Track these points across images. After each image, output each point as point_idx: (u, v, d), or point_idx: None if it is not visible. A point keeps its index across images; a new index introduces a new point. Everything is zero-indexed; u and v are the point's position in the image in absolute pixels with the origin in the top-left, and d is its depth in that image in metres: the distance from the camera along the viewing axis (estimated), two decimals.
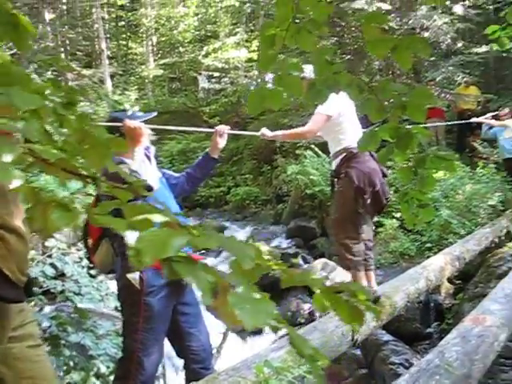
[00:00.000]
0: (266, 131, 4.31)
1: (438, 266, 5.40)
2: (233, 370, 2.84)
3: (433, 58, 12.99)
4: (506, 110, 9.63)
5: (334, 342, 3.38)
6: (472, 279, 7.66)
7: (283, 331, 0.87)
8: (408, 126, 1.69)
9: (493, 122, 9.27)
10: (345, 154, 4.16)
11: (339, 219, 4.24)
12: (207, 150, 3.67)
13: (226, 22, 19.14)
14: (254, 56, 17.20)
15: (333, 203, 4.37)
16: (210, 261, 9.56)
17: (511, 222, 8.18)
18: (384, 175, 4.31)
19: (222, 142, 3.62)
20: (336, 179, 4.27)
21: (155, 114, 3.39)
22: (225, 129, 3.64)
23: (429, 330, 7.58)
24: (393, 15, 12.02)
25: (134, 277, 2.89)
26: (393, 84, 1.61)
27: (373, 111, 1.67)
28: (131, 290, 2.94)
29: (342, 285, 0.97)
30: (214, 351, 3.75)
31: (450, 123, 11.19)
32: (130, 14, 22.21)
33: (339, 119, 4.13)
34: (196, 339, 3.20)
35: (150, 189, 2.86)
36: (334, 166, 4.29)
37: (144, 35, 21.20)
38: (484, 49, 12.47)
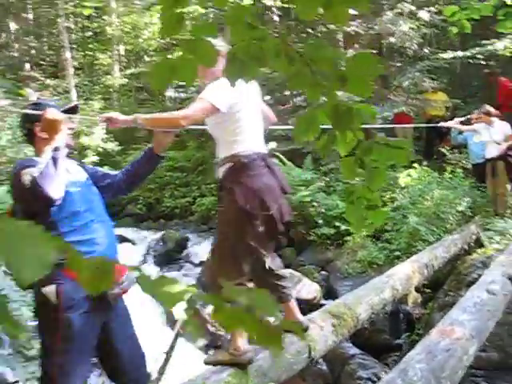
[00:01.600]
0: (137, 116, 3.24)
1: (405, 275, 5.13)
2: None
3: (399, 64, 12.90)
4: (475, 115, 9.51)
5: (287, 360, 3.07)
6: (442, 287, 7.47)
7: None
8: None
9: (462, 126, 9.13)
10: (232, 164, 3.18)
11: (218, 250, 3.27)
12: (150, 145, 3.31)
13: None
14: None
15: (216, 227, 3.35)
16: (173, 274, 9.23)
17: (480, 227, 8.01)
18: (284, 192, 3.35)
19: (167, 138, 3.25)
20: (221, 194, 3.29)
21: (75, 103, 3.07)
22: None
23: (398, 341, 7.36)
24: (359, 20, 11.87)
25: (49, 290, 2.56)
26: (326, 49, 1.31)
27: (307, 87, 1.38)
28: (47, 306, 2.60)
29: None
30: (155, 373, 3.40)
31: (420, 125, 11.08)
32: (95, 23, 21.86)
33: (235, 116, 3.19)
34: (128, 360, 2.87)
35: (50, 202, 2.54)
36: (219, 175, 3.29)
37: (109, 44, 20.85)
38: (450, 55, 12.40)
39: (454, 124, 9.29)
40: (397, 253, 8.21)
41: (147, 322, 6.55)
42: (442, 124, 9.59)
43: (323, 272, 8.79)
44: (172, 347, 3.84)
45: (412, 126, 11.23)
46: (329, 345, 3.48)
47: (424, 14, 12.44)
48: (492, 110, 9.15)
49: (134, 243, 10.76)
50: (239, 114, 3.19)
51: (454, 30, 4.52)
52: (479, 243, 7.81)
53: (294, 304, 3.53)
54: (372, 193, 1.57)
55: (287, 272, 7.92)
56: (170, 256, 10.02)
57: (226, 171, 3.19)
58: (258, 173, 3.17)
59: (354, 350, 6.60)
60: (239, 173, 3.14)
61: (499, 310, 4.16)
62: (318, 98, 1.39)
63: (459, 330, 3.22)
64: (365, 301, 4.13)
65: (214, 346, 7.31)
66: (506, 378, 6.21)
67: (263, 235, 3.22)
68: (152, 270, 9.37)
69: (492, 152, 8.80)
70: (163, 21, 1.35)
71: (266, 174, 3.20)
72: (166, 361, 3.35)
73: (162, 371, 3.43)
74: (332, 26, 11.91)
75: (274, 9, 13.84)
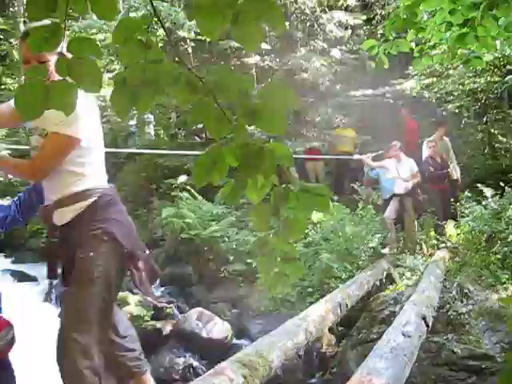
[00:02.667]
0: None
1: (319, 316, 4.93)
2: None
3: (311, 100, 13.05)
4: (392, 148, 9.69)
5: None
6: (355, 325, 7.38)
7: None
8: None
9: (371, 162, 9.21)
10: (94, 200, 2.67)
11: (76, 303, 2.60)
12: None
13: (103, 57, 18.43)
14: None
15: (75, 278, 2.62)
16: None
17: (391, 264, 8.04)
18: None
19: None
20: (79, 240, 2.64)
21: None
22: None
23: (313, 380, 7.18)
24: (272, 55, 11.93)
25: None
26: (232, 75, 1.07)
27: (211, 121, 1.13)
28: None
29: None
30: None
31: (334, 156, 11.19)
32: (2, 45, 21.00)
33: (88, 145, 2.66)
34: None
35: None
36: (61, 218, 2.68)
37: (16, 68, 20.05)
38: (361, 92, 12.69)
39: (365, 157, 9.36)
40: (309, 289, 8.08)
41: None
42: (356, 156, 9.67)
43: (234, 310, 8.53)
44: None
45: (327, 157, 11.34)
46: None
47: (336, 52, 12.70)
48: (399, 146, 9.34)
49: (35, 280, 10.08)
50: (93, 144, 2.70)
51: (373, 64, 4.46)
52: (390, 279, 7.82)
53: (148, 377, 3.10)
54: (290, 245, 1.32)
55: (198, 310, 7.70)
56: None
57: (84, 211, 2.66)
58: (122, 207, 2.82)
59: None
60: (106, 209, 2.68)
61: (414, 354, 4.03)
62: (223, 135, 1.14)
63: (377, 380, 3.03)
64: (277, 346, 3.87)
65: None
66: None
67: (144, 279, 2.83)
68: (54, 310, 8.77)
69: (399, 188, 8.92)
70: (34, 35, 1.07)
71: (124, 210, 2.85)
72: None
73: None
74: (247, 60, 11.87)
75: (188, 41, 13.71)
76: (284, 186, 1.19)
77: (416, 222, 9.70)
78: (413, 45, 4.39)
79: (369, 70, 12.99)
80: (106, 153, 2.89)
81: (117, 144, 14.60)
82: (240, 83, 1.11)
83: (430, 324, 5.11)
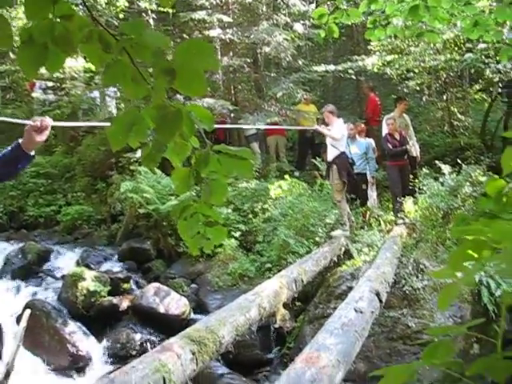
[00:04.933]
0: None
1: (273, 291, 4.90)
2: None
3: (274, 74, 12.93)
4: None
5: None
6: (312, 300, 7.41)
7: None
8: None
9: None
10: None
11: None
12: (20, 140, 2.83)
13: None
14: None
15: None
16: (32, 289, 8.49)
17: (349, 239, 8.06)
18: None
19: (40, 137, 2.79)
20: None
21: None
22: (47, 122, 2.79)
23: (270, 355, 7.20)
24: (234, 28, 11.73)
25: None
26: (148, 32, 0.97)
27: (127, 83, 1.03)
28: None
29: None
30: None
31: (292, 127, 11.13)
32: None
33: None
34: None
35: None
36: None
37: None
38: (323, 68, 12.61)
39: (320, 128, 9.20)
40: (268, 265, 8.08)
41: None
42: (316, 127, 9.57)
43: (193, 285, 8.47)
44: (13, 360, 3.24)
45: (287, 127, 11.29)
46: (187, 374, 3.13)
47: (299, 27, 12.55)
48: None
49: None
50: None
51: (322, 33, 4.36)
52: (348, 255, 7.84)
53: None
54: (211, 208, 1.25)
55: (155, 286, 7.61)
56: (30, 269, 9.21)
57: None
58: None
59: (222, 370, 6.32)
60: None
61: (366, 329, 4.03)
62: (140, 97, 1.04)
63: (325, 356, 2.99)
64: (229, 322, 3.81)
65: (75, 368, 6.76)
66: None
67: None
68: (9, 285, 8.58)
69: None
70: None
71: None
72: (7, 375, 2.77)
73: None
74: (208, 33, 11.63)
75: (149, 12, 13.38)
76: (205, 149, 1.11)
77: (375, 198, 9.78)
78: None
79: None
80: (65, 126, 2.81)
81: (77, 117, 14.26)
82: (156, 41, 1.02)
83: (384, 299, 5.12)
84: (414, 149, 9.91)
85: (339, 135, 8.31)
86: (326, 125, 8.66)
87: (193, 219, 1.28)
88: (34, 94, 17.15)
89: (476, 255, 0.96)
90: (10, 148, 2.87)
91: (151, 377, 2.82)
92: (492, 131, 11.87)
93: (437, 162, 9.43)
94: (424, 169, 9.47)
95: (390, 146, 9.19)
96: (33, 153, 2.87)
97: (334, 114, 8.53)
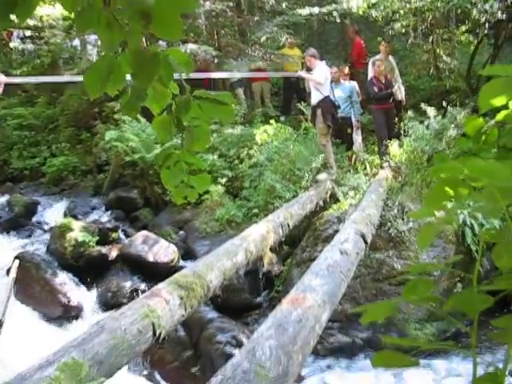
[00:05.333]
0: None
1: (260, 236, 4.96)
2: None
3: (257, 18, 12.69)
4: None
5: (129, 342, 2.73)
6: (299, 244, 7.51)
7: None
8: None
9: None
10: None
11: None
12: None
13: None
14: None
15: None
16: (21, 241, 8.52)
17: (335, 183, 8.10)
18: None
19: None
20: None
21: None
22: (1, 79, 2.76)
23: (258, 299, 7.34)
24: None
25: None
26: None
27: (102, 28, 1.01)
28: None
29: None
30: None
31: (275, 74, 11.02)
32: None
33: None
34: None
35: None
36: None
37: None
38: (307, 11, 12.37)
39: (304, 74, 9.14)
40: (255, 210, 8.13)
41: None
42: (298, 73, 9.49)
43: (181, 232, 8.53)
44: (4, 310, 3.24)
45: (270, 74, 11.18)
46: (176, 319, 3.20)
47: None
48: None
49: None
50: None
51: None
52: (335, 198, 7.89)
53: None
54: (194, 156, 1.25)
55: (143, 234, 7.66)
56: (18, 222, 9.21)
57: None
58: None
59: (213, 314, 6.45)
60: None
61: (351, 270, 4.11)
62: (116, 43, 1.03)
63: (311, 296, 3.07)
64: (216, 266, 3.87)
65: (67, 317, 6.84)
66: (359, 328, 6.42)
67: None
68: None
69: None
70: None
71: None
72: None
73: None
74: None
75: None
76: (185, 95, 1.10)
77: (361, 142, 9.80)
78: None
79: None
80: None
81: (58, 66, 13.96)
82: None
83: (369, 241, 5.20)
84: (400, 92, 9.87)
85: (322, 79, 8.26)
86: (309, 69, 8.59)
87: (176, 168, 1.27)
88: (11, 44, 16.76)
89: (452, 193, 0.98)
90: None
91: (140, 322, 2.88)
92: (478, 74, 11.80)
93: (422, 105, 9.42)
94: (409, 112, 9.45)
95: (375, 89, 9.15)
96: None
97: (316, 58, 8.46)
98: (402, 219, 6.97)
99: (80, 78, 10.06)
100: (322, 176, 8.01)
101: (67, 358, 2.43)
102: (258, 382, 2.19)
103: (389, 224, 6.94)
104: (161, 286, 3.32)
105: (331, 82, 8.81)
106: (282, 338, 2.56)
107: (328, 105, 8.29)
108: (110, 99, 11.00)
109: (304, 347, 2.68)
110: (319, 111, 8.22)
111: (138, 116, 9.77)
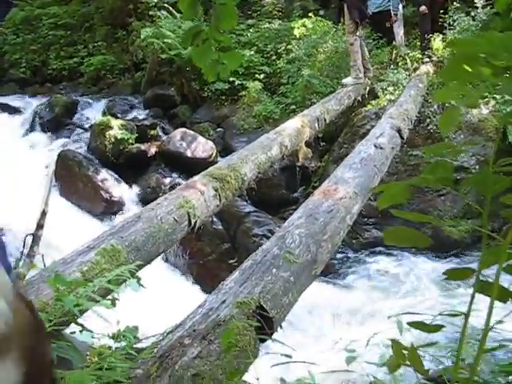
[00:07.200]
0: None
1: (295, 130, 4.94)
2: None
3: None
4: None
5: (165, 230, 2.84)
6: (337, 140, 7.47)
7: None
8: None
9: None
10: None
11: None
12: None
13: None
14: None
15: None
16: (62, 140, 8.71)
17: (374, 78, 7.89)
18: None
19: None
20: None
21: None
22: None
23: (295, 194, 7.44)
24: None
25: None
26: None
27: None
28: None
29: None
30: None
31: None
32: None
33: None
34: None
35: None
36: None
37: None
38: None
39: None
40: (292, 106, 8.07)
41: None
42: None
43: (219, 129, 8.58)
44: (47, 200, 3.37)
45: None
46: (211, 210, 3.29)
47: None
48: None
49: (19, 111, 9.98)
50: None
51: None
52: (373, 94, 7.73)
53: None
54: (221, 34, 1.24)
55: (181, 131, 7.72)
56: (59, 122, 9.36)
57: None
58: None
59: (249, 208, 6.59)
60: None
61: (386, 164, 4.10)
62: None
63: (343, 188, 3.10)
64: (251, 160, 3.92)
65: (109, 212, 7.08)
66: (394, 223, 6.48)
67: None
68: (40, 138, 8.81)
69: None
70: None
71: None
72: (43, 215, 2.91)
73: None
74: None
75: None
76: None
77: (402, 35, 9.40)
78: None
79: None
80: None
81: None
82: None
83: (406, 136, 5.14)
84: None
85: None
86: None
87: (205, 45, 1.27)
88: None
89: (471, 70, 0.92)
90: None
91: (176, 212, 2.98)
92: None
93: None
94: (455, 2, 8.96)
95: None
96: None
97: None
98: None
99: None
100: (347, 80, 7.63)
101: (106, 245, 2.55)
102: (287, 267, 2.28)
103: (428, 120, 6.80)
104: (196, 178, 3.39)
105: None
106: (312, 226, 2.62)
107: None
108: None
109: (334, 237, 2.75)
110: (345, 6, 7.64)
111: (173, 11, 9.57)
